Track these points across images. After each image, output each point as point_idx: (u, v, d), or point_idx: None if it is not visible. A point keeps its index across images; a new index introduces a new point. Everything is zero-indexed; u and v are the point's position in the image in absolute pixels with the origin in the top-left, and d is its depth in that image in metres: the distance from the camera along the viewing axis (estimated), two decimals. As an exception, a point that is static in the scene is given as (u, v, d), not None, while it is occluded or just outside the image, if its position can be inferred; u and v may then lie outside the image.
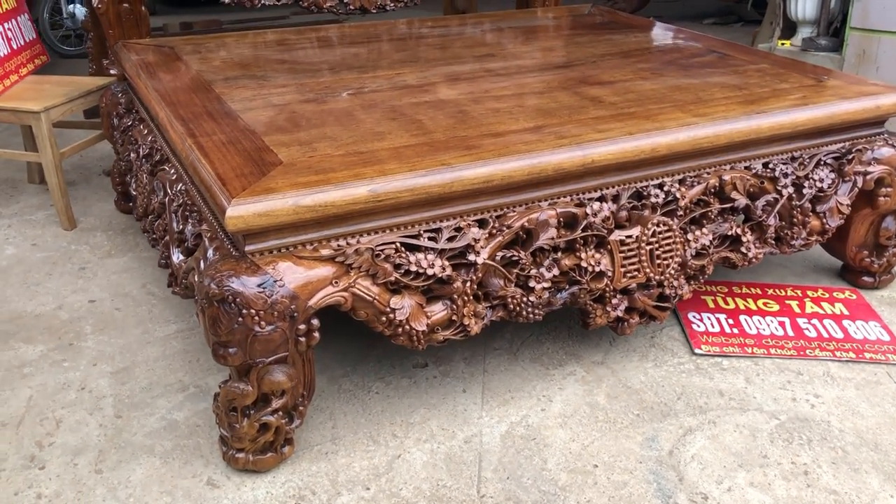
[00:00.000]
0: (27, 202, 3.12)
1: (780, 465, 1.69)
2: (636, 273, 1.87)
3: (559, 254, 1.80)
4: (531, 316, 1.78)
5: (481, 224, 1.72)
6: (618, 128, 1.85)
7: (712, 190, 1.95)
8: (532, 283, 1.76)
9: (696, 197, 1.94)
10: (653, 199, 1.88)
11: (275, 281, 1.51)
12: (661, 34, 2.89)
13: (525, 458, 1.72)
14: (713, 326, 2.17)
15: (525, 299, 1.76)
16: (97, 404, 1.91)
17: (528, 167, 1.70)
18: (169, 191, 2.02)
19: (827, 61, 4.21)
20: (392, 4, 3.27)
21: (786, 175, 2.05)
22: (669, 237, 1.89)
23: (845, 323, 2.19)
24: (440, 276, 1.64)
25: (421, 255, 1.64)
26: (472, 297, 1.70)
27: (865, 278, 2.37)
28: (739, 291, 2.35)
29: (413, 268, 1.62)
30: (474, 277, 1.69)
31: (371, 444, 1.77)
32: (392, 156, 1.69)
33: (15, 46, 3.09)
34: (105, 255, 2.67)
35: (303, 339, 1.58)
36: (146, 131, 2.40)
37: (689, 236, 1.93)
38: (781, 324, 2.18)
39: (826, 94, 2.11)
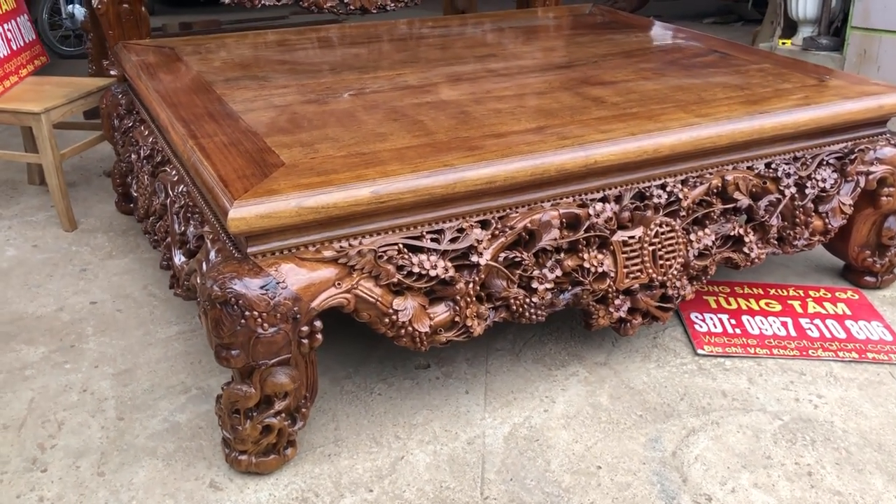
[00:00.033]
0: (27, 203, 3.12)
1: (783, 466, 1.69)
2: (639, 274, 1.87)
3: (562, 255, 1.79)
4: (534, 317, 1.78)
5: (484, 225, 1.71)
6: (620, 128, 1.84)
7: (715, 190, 1.95)
8: (535, 284, 1.75)
9: (698, 197, 1.93)
10: (655, 200, 1.87)
11: (277, 283, 1.50)
12: (663, 34, 2.89)
13: (528, 460, 1.72)
14: (716, 327, 2.17)
15: (528, 300, 1.76)
16: (99, 406, 1.90)
17: (530, 168, 1.70)
18: (170, 192, 2.02)
19: (828, 61, 4.20)
20: (392, 4, 3.26)
21: (788, 175, 2.04)
22: (672, 238, 1.89)
23: (848, 323, 2.19)
24: (443, 277, 1.64)
25: (424, 257, 1.63)
26: (474, 299, 1.70)
27: (868, 278, 2.37)
28: (741, 291, 2.34)
29: (416, 269, 1.62)
30: (477, 278, 1.68)
31: (374, 445, 1.76)
32: (394, 157, 1.69)
33: (15, 47, 3.09)
34: (106, 257, 2.66)
35: (305, 340, 1.57)
36: (147, 132, 2.40)
37: (692, 237, 1.93)
38: (784, 324, 2.18)
39: (828, 94, 2.11)
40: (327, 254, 1.57)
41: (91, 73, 3.32)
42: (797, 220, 2.06)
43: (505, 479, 1.66)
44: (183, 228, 1.89)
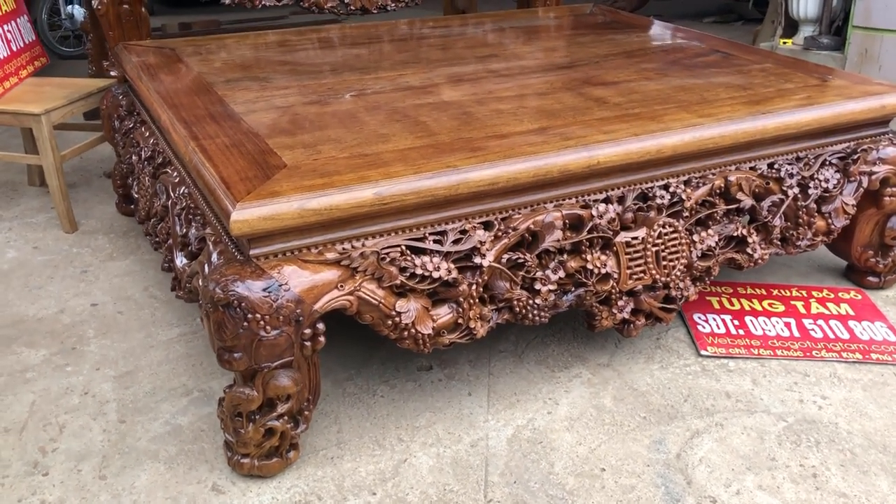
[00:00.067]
0: (28, 205, 3.11)
1: (788, 468, 1.68)
2: (642, 275, 1.86)
3: (565, 256, 1.79)
4: (537, 318, 1.77)
5: (487, 226, 1.71)
6: (623, 129, 1.84)
7: (718, 191, 1.95)
8: (538, 286, 1.75)
9: (701, 198, 1.93)
10: (658, 201, 1.87)
11: (280, 285, 1.50)
12: (664, 34, 2.88)
13: (532, 462, 1.71)
14: (719, 328, 2.16)
15: (531, 302, 1.75)
16: (101, 409, 1.90)
17: (533, 169, 1.69)
18: (172, 194, 2.01)
19: (829, 60, 4.20)
20: (393, 4, 3.26)
21: (791, 175, 2.04)
22: (675, 238, 1.88)
23: (851, 323, 2.18)
24: (446, 278, 1.63)
25: (426, 258, 1.63)
26: (477, 300, 1.70)
27: (870, 278, 2.36)
28: (744, 292, 2.34)
29: (419, 271, 1.61)
30: (480, 280, 1.68)
31: (377, 448, 1.76)
32: (397, 158, 1.68)
33: (15, 48, 3.08)
34: (107, 258, 2.66)
35: (308, 343, 1.56)
36: (148, 134, 2.39)
37: (695, 237, 1.92)
38: (787, 325, 2.17)
39: (831, 94, 2.10)
40: (330, 256, 1.57)
41: (91, 74, 3.31)
42: (800, 220, 2.06)
43: (508, 482, 1.66)
44: (184, 230, 1.89)
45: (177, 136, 1.86)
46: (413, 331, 1.63)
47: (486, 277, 1.69)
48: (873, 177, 2.15)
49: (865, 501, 1.60)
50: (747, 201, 1.98)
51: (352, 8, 3.19)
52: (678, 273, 1.91)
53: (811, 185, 2.06)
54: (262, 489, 1.64)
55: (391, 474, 1.68)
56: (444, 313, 1.67)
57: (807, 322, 2.19)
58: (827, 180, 2.09)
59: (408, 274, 1.61)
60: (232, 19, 6.35)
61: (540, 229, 1.74)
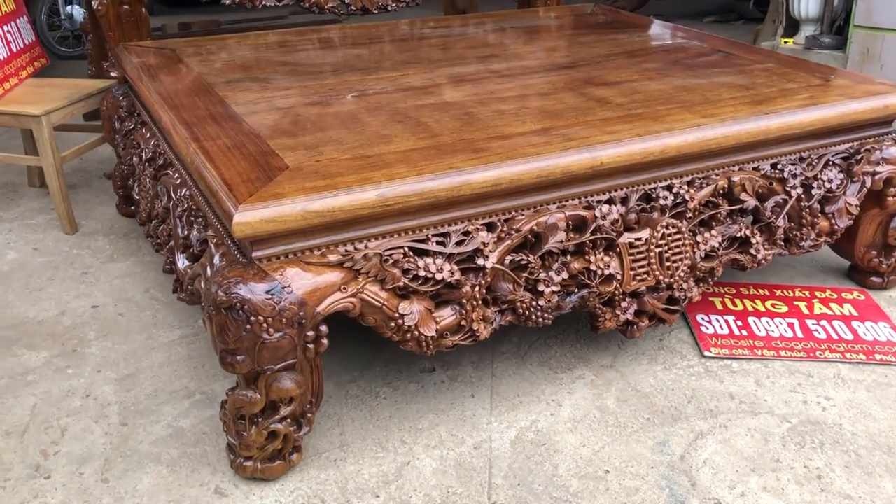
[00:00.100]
0: (28, 206, 3.10)
1: (792, 470, 1.68)
2: (645, 276, 1.85)
3: (568, 257, 1.78)
4: (540, 320, 1.76)
5: (490, 228, 1.70)
6: (626, 129, 1.83)
7: (721, 191, 1.94)
8: (541, 287, 1.74)
9: (704, 198, 1.92)
10: (661, 202, 1.86)
11: (283, 287, 1.49)
12: (665, 34, 2.88)
13: (535, 464, 1.70)
14: (722, 328, 2.15)
15: (534, 303, 1.74)
16: (102, 412, 1.89)
17: (536, 170, 1.68)
18: (173, 195, 2.01)
19: (830, 59, 4.19)
20: (393, 4, 3.25)
21: (794, 176, 2.03)
22: (679, 239, 1.88)
23: (854, 324, 2.18)
24: (449, 280, 1.63)
25: (429, 260, 1.62)
26: (480, 302, 1.69)
27: (874, 279, 2.36)
28: (747, 293, 2.33)
29: (421, 273, 1.61)
30: (483, 282, 1.67)
31: (380, 450, 1.75)
32: (399, 159, 1.67)
33: (14, 49, 3.07)
34: (107, 260, 2.65)
35: (311, 345, 1.56)
36: (149, 135, 2.38)
37: (699, 238, 1.92)
38: (790, 325, 2.17)
39: (834, 94, 2.09)
40: (333, 258, 1.56)
41: (91, 75, 3.30)
42: (803, 220, 2.05)
43: (512, 484, 1.65)
44: (186, 232, 1.88)
45: (178, 137, 1.85)
46: (416, 333, 1.62)
47: (489, 279, 1.68)
48: (877, 177, 2.14)
49: (870, 503, 1.59)
50: (751, 202, 1.98)
51: (352, 8, 3.19)
52: (682, 274, 1.90)
53: (814, 185, 2.06)
54: (265, 492, 1.64)
55: (394, 477, 1.68)
56: (447, 315, 1.66)
57: (810, 323, 2.18)
58: (830, 180, 2.08)
59: (411, 276, 1.60)
60: (231, 19, 6.34)
61: (543, 230, 1.73)
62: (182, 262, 1.88)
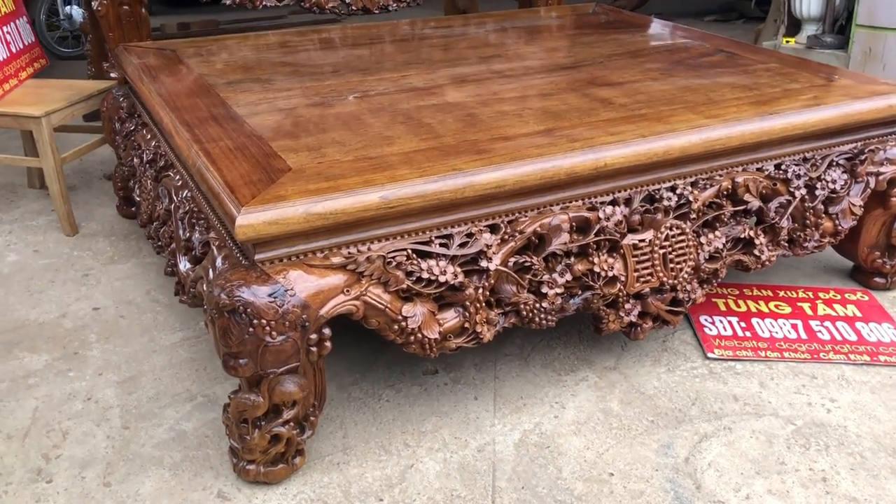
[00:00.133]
0: (28, 207, 3.09)
1: (797, 472, 1.67)
2: (649, 277, 1.85)
3: (572, 259, 1.77)
4: (544, 322, 1.75)
5: (493, 230, 1.69)
6: (630, 130, 1.82)
7: (725, 192, 1.93)
8: (545, 289, 1.73)
9: (708, 199, 1.91)
10: (665, 203, 1.85)
11: (286, 290, 1.48)
12: (667, 33, 2.87)
13: (539, 467, 1.70)
14: (725, 330, 2.15)
15: (538, 305, 1.74)
16: (104, 415, 1.88)
17: (540, 171, 1.67)
18: (174, 197, 2.00)
19: (832, 59, 4.18)
20: (394, 5, 3.24)
21: (798, 176, 2.02)
22: (682, 241, 1.87)
23: (858, 325, 2.17)
24: (452, 282, 1.62)
25: (433, 262, 1.61)
26: (484, 304, 1.68)
27: (877, 279, 2.35)
28: (751, 294, 2.33)
29: (425, 275, 1.60)
30: (486, 284, 1.66)
31: (383, 453, 1.74)
32: (402, 161, 1.66)
33: (14, 50, 3.06)
34: (108, 262, 2.64)
35: (314, 348, 1.55)
36: (150, 136, 2.37)
37: (702, 239, 1.91)
38: (794, 326, 2.16)
39: (838, 94, 2.09)
40: (336, 260, 1.55)
41: (90, 76, 3.30)
42: (807, 221, 2.04)
43: (516, 487, 1.64)
44: (188, 234, 1.87)
45: (179, 139, 1.84)
46: (419, 335, 1.62)
47: (492, 281, 1.67)
48: (880, 177, 2.13)
49: (876, 506, 1.59)
50: (754, 203, 1.97)
51: (353, 8, 3.18)
52: (685, 275, 1.89)
53: (818, 185, 2.05)
54: (268, 496, 1.63)
55: (398, 480, 1.67)
56: (450, 317, 1.65)
57: (814, 324, 2.18)
58: (834, 181, 2.07)
59: (414, 278, 1.59)
60: (230, 19, 6.32)
61: (546, 232, 1.73)
62: (184, 265, 1.87)
